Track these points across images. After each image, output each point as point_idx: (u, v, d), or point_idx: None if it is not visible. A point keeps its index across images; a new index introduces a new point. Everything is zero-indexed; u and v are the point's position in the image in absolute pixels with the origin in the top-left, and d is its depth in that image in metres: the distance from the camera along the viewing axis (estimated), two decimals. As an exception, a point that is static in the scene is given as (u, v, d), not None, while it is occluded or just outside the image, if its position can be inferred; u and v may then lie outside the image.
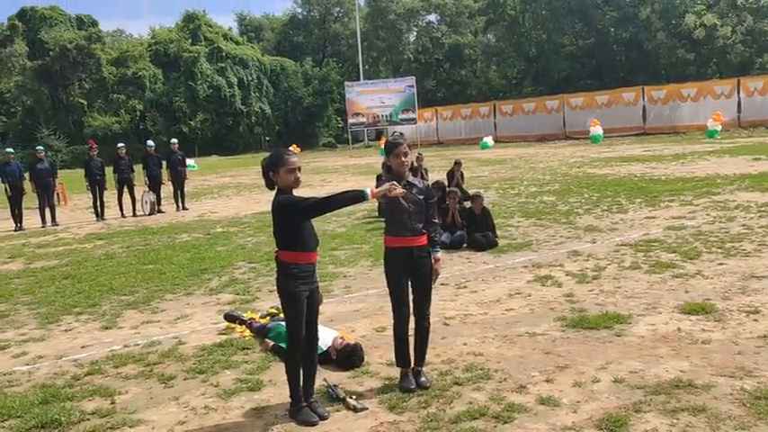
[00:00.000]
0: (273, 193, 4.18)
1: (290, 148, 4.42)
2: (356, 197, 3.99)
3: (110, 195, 17.25)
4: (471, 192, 11.37)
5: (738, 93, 34.05)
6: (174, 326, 6.52)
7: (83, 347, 6.00)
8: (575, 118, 39.26)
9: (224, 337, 5.99)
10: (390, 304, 4.62)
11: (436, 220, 4.71)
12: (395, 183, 4.15)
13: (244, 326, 6.10)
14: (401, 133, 4.79)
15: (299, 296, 4.13)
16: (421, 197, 4.52)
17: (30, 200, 16.11)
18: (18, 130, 52.37)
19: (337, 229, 12.01)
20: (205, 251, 10.60)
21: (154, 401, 4.63)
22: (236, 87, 58.01)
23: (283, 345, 5.00)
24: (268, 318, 6.09)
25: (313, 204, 4.05)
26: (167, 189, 17.56)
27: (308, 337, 4.24)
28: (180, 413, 4.40)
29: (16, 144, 40.22)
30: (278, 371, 4.92)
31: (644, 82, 41.66)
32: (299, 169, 4.14)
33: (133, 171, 16.99)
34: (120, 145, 17.70)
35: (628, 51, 53.11)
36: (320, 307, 4.46)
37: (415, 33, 67.39)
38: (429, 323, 4.66)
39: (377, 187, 4.18)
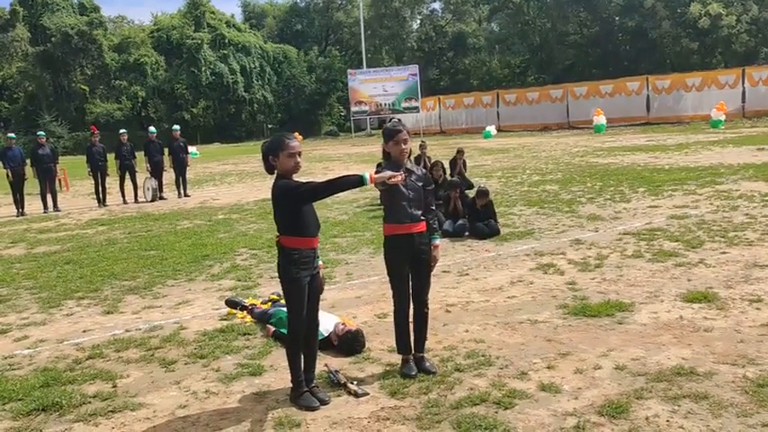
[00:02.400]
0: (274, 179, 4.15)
1: (294, 134, 4.34)
2: (355, 181, 3.96)
3: (112, 182, 17.24)
4: (479, 185, 11.13)
5: (743, 83, 33.89)
6: (176, 311, 6.52)
7: (84, 332, 6.00)
8: (578, 107, 39.11)
9: (225, 322, 5.99)
10: (391, 291, 4.61)
11: (434, 207, 4.68)
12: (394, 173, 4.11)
13: (245, 311, 6.10)
14: (399, 119, 4.73)
15: (301, 281, 4.11)
16: (420, 184, 4.49)
17: (31, 185, 16.13)
18: (20, 116, 52.39)
19: (339, 216, 11.99)
20: (207, 238, 10.60)
21: (155, 385, 4.63)
22: (238, 75, 57.92)
23: (284, 330, 4.99)
24: (269, 303, 6.08)
25: (312, 188, 4.01)
26: (169, 176, 17.56)
27: (308, 323, 4.23)
28: (181, 397, 4.41)
29: (18, 130, 40.19)
30: (279, 356, 4.92)
31: (648, 71, 41.50)
32: (300, 154, 4.10)
33: (135, 157, 17.01)
34: (121, 131, 17.71)
35: (632, 40, 52.86)
36: (322, 293, 4.44)
37: (419, 21, 67.11)
38: (428, 309, 4.65)
39: (376, 174, 4.14)
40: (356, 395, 4.22)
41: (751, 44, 48.31)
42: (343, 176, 4.06)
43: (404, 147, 4.41)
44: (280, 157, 4.06)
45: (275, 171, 4.12)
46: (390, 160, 4.49)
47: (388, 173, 4.06)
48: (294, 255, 4.09)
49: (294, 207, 4.07)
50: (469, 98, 46.58)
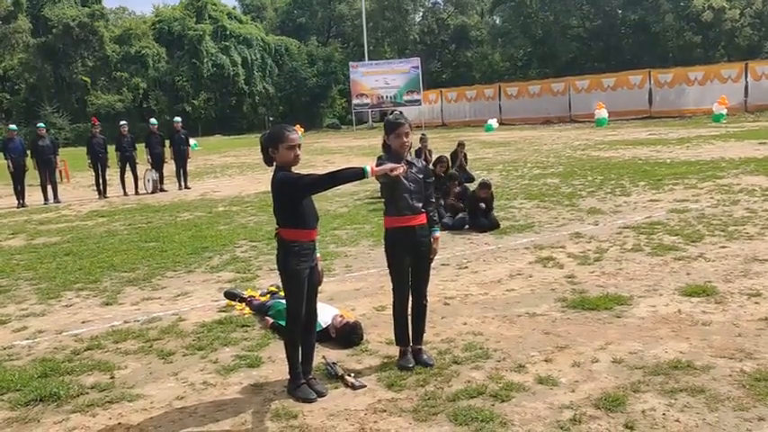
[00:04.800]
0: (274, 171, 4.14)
1: (295, 127, 4.31)
2: (356, 174, 3.94)
3: (112, 173, 17.23)
4: (482, 178, 11.08)
5: (746, 77, 33.74)
6: (175, 303, 6.53)
7: (83, 323, 6.01)
8: (580, 101, 38.98)
9: (224, 314, 6.00)
10: (390, 283, 4.60)
11: (434, 200, 4.67)
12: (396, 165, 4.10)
13: (244, 303, 6.10)
14: (401, 112, 4.71)
15: (300, 273, 4.11)
16: (420, 176, 4.48)
17: (32, 177, 16.13)
18: (21, 107, 52.34)
19: (339, 209, 11.99)
20: (206, 229, 10.60)
21: (153, 377, 4.64)
22: (239, 67, 57.78)
23: (283, 322, 4.99)
24: (268, 296, 6.08)
25: (313, 181, 4.00)
26: (170, 167, 17.55)
27: (307, 315, 4.23)
28: (178, 388, 4.41)
29: (19, 121, 40.13)
30: (277, 348, 4.92)
31: (651, 65, 41.31)
32: (299, 147, 4.09)
33: (135, 149, 16.99)
34: (122, 123, 17.69)
35: (635, 34, 52.66)
36: (321, 285, 4.44)
37: (421, 14, 66.84)
38: (427, 301, 4.65)
39: (377, 167, 4.13)
40: (353, 387, 4.22)
41: (754, 38, 48.12)
42: (344, 169, 4.04)
43: (405, 140, 4.40)
44: (279, 150, 4.04)
45: (274, 163, 4.11)
46: (391, 153, 4.48)
47: (390, 165, 4.04)
48: (294, 247, 4.09)
49: (294, 199, 4.06)
50: (471, 91, 46.44)
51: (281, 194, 4.07)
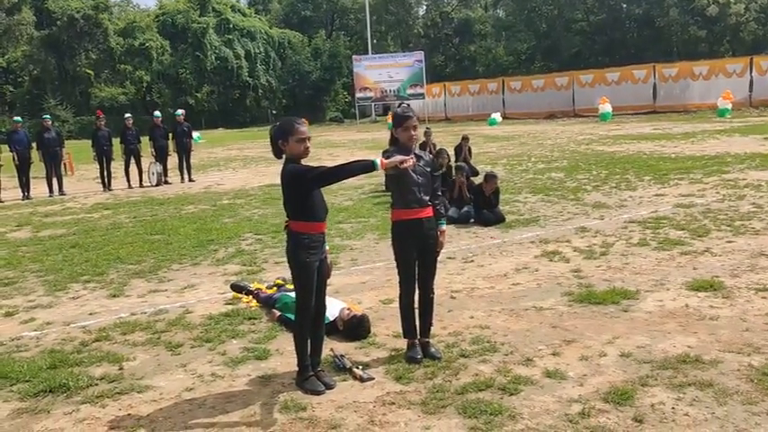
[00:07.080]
0: (280, 164, 4.14)
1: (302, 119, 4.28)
2: (366, 167, 3.94)
3: (117, 166, 17.25)
4: (486, 171, 11.09)
5: (751, 71, 33.59)
6: (181, 295, 6.54)
7: (90, 314, 6.03)
8: (584, 95, 38.82)
9: (231, 306, 6.01)
10: (397, 276, 4.61)
11: (440, 193, 4.67)
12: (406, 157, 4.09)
13: (250, 296, 6.11)
14: (408, 104, 4.69)
15: (310, 266, 4.12)
16: (428, 169, 4.49)
17: (37, 169, 16.16)
18: (25, 99, 52.35)
19: (344, 202, 11.99)
20: (211, 222, 10.62)
21: (161, 368, 4.66)
22: (243, 60, 57.71)
23: (290, 315, 5.02)
24: (275, 288, 6.10)
25: (323, 173, 4.00)
26: (173, 160, 17.57)
27: (316, 307, 4.24)
28: (187, 380, 4.43)
29: (23, 114, 40.17)
30: (284, 340, 4.94)
31: (655, 59, 41.18)
32: (309, 139, 4.10)
33: (140, 142, 17.00)
34: (126, 116, 17.70)
35: (640, 28, 52.56)
36: (329, 278, 4.45)
37: (425, 7, 66.71)
38: (434, 294, 4.66)
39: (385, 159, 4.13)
40: (361, 380, 4.24)
41: (759, 32, 47.98)
42: (354, 161, 4.05)
43: (413, 133, 4.40)
44: (289, 142, 4.05)
45: (283, 156, 4.11)
46: (398, 145, 4.47)
47: (399, 157, 4.04)
48: (304, 239, 4.10)
49: (303, 191, 4.06)
50: (475, 85, 46.29)
51: (290, 186, 4.08)
